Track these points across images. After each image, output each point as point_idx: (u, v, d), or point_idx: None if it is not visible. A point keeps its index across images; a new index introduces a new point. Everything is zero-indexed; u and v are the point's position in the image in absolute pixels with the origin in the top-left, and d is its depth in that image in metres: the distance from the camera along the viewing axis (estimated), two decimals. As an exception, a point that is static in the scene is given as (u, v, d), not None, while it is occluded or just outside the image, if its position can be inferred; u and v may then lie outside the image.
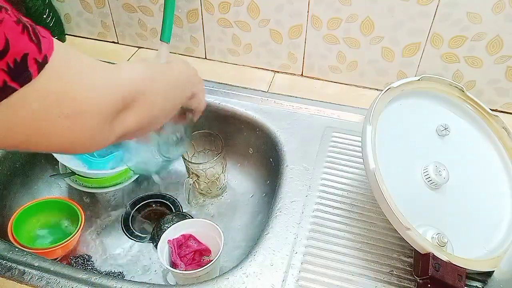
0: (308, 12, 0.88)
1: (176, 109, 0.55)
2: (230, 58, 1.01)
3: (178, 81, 0.56)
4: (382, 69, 0.92)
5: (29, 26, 0.32)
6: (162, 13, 0.86)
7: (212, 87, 0.94)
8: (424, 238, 0.59)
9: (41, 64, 0.33)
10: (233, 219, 0.89)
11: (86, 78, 0.37)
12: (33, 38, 0.32)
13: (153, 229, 0.87)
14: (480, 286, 0.62)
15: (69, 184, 0.88)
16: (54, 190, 0.91)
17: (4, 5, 0.31)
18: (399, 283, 0.62)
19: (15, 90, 0.32)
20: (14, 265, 0.63)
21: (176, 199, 0.93)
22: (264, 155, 0.90)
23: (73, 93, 0.35)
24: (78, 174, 0.83)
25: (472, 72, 0.86)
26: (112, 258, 0.83)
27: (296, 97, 0.92)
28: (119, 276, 0.80)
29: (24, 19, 0.33)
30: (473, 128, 0.74)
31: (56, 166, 0.88)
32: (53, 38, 0.34)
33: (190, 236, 0.77)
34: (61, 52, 0.35)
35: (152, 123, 0.49)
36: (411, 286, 0.62)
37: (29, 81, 0.32)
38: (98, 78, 0.38)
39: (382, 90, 0.68)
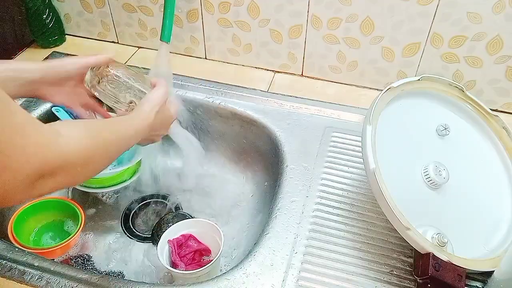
0: (308, 12, 0.88)
1: (110, 163, 0.54)
2: (230, 58, 1.01)
3: (126, 142, 0.55)
4: (382, 69, 0.92)
5: None
6: (162, 13, 0.86)
7: (212, 87, 0.94)
8: (424, 238, 0.59)
9: None
10: (233, 219, 0.89)
11: (20, 139, 0.37)
12: None
13: (153, 229, 0.87)
14: (480, 286, 0.62)
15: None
16: (54, 190, 0.91)
17: None
18: (399, 283, 0.62)
19: None
20: (14, 265, 0.63)
21: (176, 199, 0.93)
22: (264, 155, 0.90)
23: (6, 150, 0.36)
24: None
25: (472, 72, 0.86)
26: (112, 258, 0.83)
27: (296, 97, 0.92)
28: (119, 276, 0.80)
29: None
30: (473, 128, 0.74)
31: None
32: None
33: (190, 236, 0.77)
34: (7, 109, 0.35)
35: (75, 184, 0.49)
36: (411, 286, 0.62)
37: None
38: (32, 143, 0.38)
39: (382, 90, 0.68)
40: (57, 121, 0.51)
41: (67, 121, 0.49)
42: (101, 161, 0.50)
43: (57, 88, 0.63)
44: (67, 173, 0.43)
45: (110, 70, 0.65)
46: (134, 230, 0.88)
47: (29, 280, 0.62)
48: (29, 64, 0.61)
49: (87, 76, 0.65)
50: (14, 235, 0.75)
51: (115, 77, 0.65)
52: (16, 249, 0.66)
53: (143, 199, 0.93)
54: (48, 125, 0.42)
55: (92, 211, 0.90)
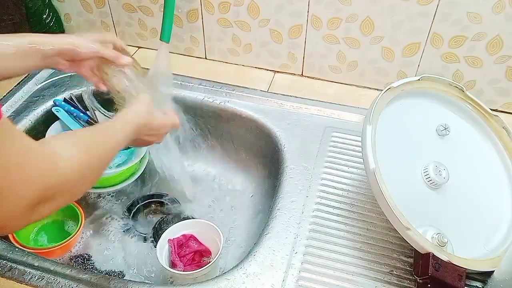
0: (308, 12, 0.88)
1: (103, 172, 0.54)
2: (230, 58, 1.01)
3: (117, 146, 0.55)
4: (382, 69, 0.92)
5: None
6: (162, 13, 0.86)
7: (212, 87, 0.94)
8: (424, 238, 0.59)
9: None
10: (233, 219, 0.89)
11: (25, 165, 0.37)
12: None
13: (153, 229, 0.87)
14: (480, 286, 0.62)
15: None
16: (54, 190, 0.91)
17: None
18: (399, 283, 0.62)
19: None
20: (14, 265, 0.63)
21: (176, 199, 0.93)
22: (264, 155, 0.90)
23: (9, 175, 0.35)
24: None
25: (472, 72, 0.86)
26: (112, 257, 0.83)
27: (296, 97, 0.92)
28: (119, 276, 0.80)
29: None
30: (473, 128, 0.74)
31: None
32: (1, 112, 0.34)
33: (191, 236, 0.77)
34: (8, 132, 0.35)
35: (73, 201, 0.50)
36: (411, 286, 0.62)
37: None
38: (33, 169, 0.38)
39: (382, 90, 0.68)
40: (50, 137, 0.50)
41: (59, 137, 0.49)
42: (97, 172, 0.50)
43: (72, 63, 0.65)
44: (66, 193, 0.43)
45: (122, 77, 0.68)
46: (135, 230, 0.88)
47: (29, 280, 0.62)
48: (47, 38, 0.62)
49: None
50: (14, 235, 0.75)
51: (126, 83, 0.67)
52: (16, 249, 0.66)
53: (143, 199, 0.92)
54: (45, 147, 0.42)
55: (92, 211, 0.90)
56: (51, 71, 0.99)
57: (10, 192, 0.36)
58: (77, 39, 0.64)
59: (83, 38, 0.64)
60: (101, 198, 0.92)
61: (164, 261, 0.72)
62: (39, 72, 0.97)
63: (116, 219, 0.89)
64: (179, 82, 0.94)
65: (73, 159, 0.44)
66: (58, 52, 0.62)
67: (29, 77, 0.96)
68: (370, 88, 0.95)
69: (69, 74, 0.98)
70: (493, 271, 0.62)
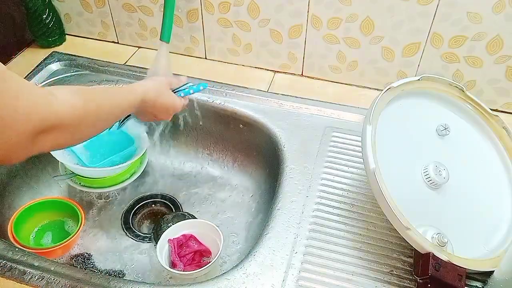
0: (308, 12, 0.88)
1: (106, 127, 0.59)
2: (230, 58, 1.01)
3: (118, 111, 0.60)
4: (382, 69, 0.92)
5: None
6: (162, 13, 0.86)
7: (212, 87, 0.94)
8: (424, 238, 0.59)
9: None
10: (233, 219, 0.89)
11: (19, 101, 0.41)
12: None
13: (153, 229, 0.87)
14: (480, 286, 0.62)
15: (69, 184, 0.88)
16: (54, 190, 0.91)
17: None
18: (399, 283, 0.62)
19: None
20: (14, 265, 0.64)
21: (176, 199, 0.93)
22: (264, 155, 0.90)
23: (4, 110, 0.40)
24: (79, 175, 0.83)
25: (472, 72, 0.86)
26: (112, 257, 0.83)
27: (296, 97, 0.92)
28: (119, 275, 0.80)
29: None
30: (473, 128, 0.74)
31: (56, 167, 0.88)
32: None
33: (191, 236, 0.77)
34: (3, 74, 0.39)
35: (75, 143, 0.53)
36: (411, 286, 0.62)
37: None
38: (27, 103, 0.42)
39: (382, 90, 0.68)
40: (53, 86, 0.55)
41: (62, 86, 0.53)
42: (93, 124, 0.54)
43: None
44: (62, 131, 0.47)
45: None
46: (134, 230, 0.88)
47: (29, 280, 0.62)
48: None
49: None
50: (14, 235, 0.75)
51: None
52: (16, 249, 0.66)
53: (143, 199, 0.93)
54: (42, 88, 0.47)
55: (92, 211, 0.90)
56: (50, 71, 0.99)
57: (8, 122, 0.40)
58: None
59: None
60: (101, 198, 0.92)
61: (164, 261, 0.72)
62: (39, 72, 0.97)
63: (116, 219, 0.89)
64: (179, 82, 0.94)
65: (68, 103, 0.48)
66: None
67: (28, 78, 0.96)
68: (370, 88, 0.95)
69: (68, 75, 0.98)
70: (493, 271, 0.62)
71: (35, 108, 0.43)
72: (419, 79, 0.71)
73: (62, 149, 0.55)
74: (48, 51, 1.04)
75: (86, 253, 0.83)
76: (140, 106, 0.65)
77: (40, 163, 0.90)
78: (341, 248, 0.66)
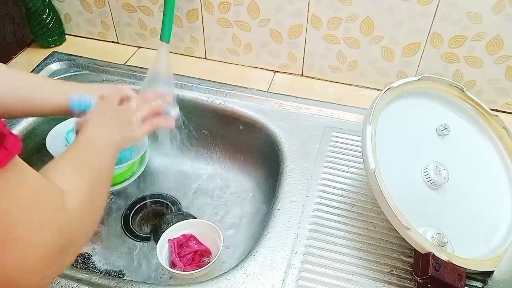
0: (308, 12, 0.88)
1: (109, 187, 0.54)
2: (230, 58, 1.01)
3: (109, 151, 0.55)
4: (382, 69, 0.92)
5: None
6: (162, 13, 0.86)
7: (212, 87, 0.94)
8: (424, 238, 0.59)
9: None
10: (233, 219, 0.89)
11: (32, 207, 0.34)
12: None
13: (153, 229, 0.87)
14: (480, 286, 0.62)
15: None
16: (54, 190, 0.91)
17: None
18: (399, 283, 0.62)
19: None
20: (14, 265, 0.63)
21: (176, 199, 0.93)
22: (264, 155, 0.90)
23: (14, 220, 0.32)
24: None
25: (472, 72, 0.86)
26: (112, 257, 0.83)
27: (296, 97, 0.92)
28: (119, 275, 0.80)
29: None
30: (473, 128, 0.74)
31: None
32: (13, 155, 0.31)
33: (191, 236, 0.77)
34: (15, 170, 0.32)
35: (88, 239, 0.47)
36: (411, 286, 0.62)
37: None
38: (42, 212, 0.35)
39: (382, 90, 0.68)
40: (50, 168, 0.46)
41: (59, 169, 0.46)
42: (102, 193, 0.48)
43: None
44: (79, 231, 0.40)
45: None
46: (134, 230, 0.88)
47: (29, 280, 0.62)
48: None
49: None
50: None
51: None
52: (16, 249, 0.66)
53: (143, 199, 0.93)
54: (51, 186, 0.39)
55: (92, 211, 0.90)
56: (50, 71, 0.99)
57: (22, 236, 0.32)
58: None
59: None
60: (101, 198, 0.92)
61: (164, 261, 0.72)
62: (39, 72, 0.97)
63: (116, 219, 0.89)
64: (179, 82, 0.94)
65: (77, 192, 0.41)
66: None
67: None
68: (370, 88, 0.95)
69: (68, 75, 0.98)
70: (493, 271, 0.62)
71: (52, 217, 0.36)
72: (419, 79, 0.71)
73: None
74: (48, 51, 1.04)
75: (86, 253, 0.83)
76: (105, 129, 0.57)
77: (40, 163, 0.90)
78: (341, 248, 0.66)
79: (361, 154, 0.64)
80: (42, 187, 0.36)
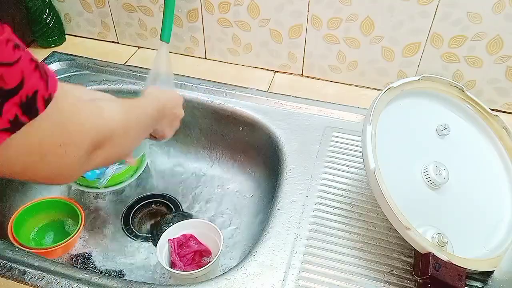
0: (308, 12, 0.88)
1: (140, 142, 0.62)
2: (230, 58, 1.01)
3: (149, 121, 0.61)
4: (382, 69, 0.92)
5: (39, 65, 0.35)
6: (162, 13, 0.86)
7: (212, 87, 0.94)
8: (424, 238, 0.59)
9: (47, 101, 0.36)
10: (233, 219, 0.89)
11: (78, 115, 0.41)
12: (43, 76, 0.35)
13: (153, 229, 0.87)
14: (480, 286, 0.62)
15: (69, 184, 0.88)
16: (54, 190, 0.91)
17: (20, 43, 0.33)
18: (399, 283, 0.62)
19: (24, 124, 0.34)
20: (14, 265, 0.63)
21: (176, 199, 0.93)
22: (264, 155, 0.90)
23: (68, 127, 0.40)
24: (78, 174, 0.83)
25: (472, 72, 0.86)
26: (112, 257, 0.83)
27: (296, 97, 0.92)
28: (119, 275, 0.80)
29: (35, 57, 0.35)
30: (473, 128, 0.74)
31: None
32: (56, 78, 0.38)
33: (191, 236, 0.77)
34: (61, 91, 0.38)
35: (118, 158, 0.54)
36: (411, 286, 0.62)
37: (36, 116, 0.35)
38: (87, 117, 0.43)
39: (382, 90, 0.68)
40: (98, 96, 0.56)
41: (102, 97, 0.55)
42: (134, 134, 0.55)
43: None
44: (112, 144, 0.47)
45: None
46: (134, 230, 0.88)
47: (29, 280, 0.62)
48: None
49: None
50: (14, 235, 0.75)
51: None
52: (16, 249, 0.66)
53: (143, 199, 0.93)
54: (91, 101, 0.47)
55: (92, 211, 0.90)
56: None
57: (70, 141, 0.40)
58: None
59: None
60: (101, 198, 0.92)
61: (164, 261, 0.72)
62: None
63: (116, 219, 0.89)
64: (179, 82, 0.94)
65: (115, 114, 0.49)
66: None
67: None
68: (370, 88, 0.95)
69: (68, 75, 0.98)
70: (493, 271, 0.62)
71: (93, 122, 0.43)
72: (419, 79, 0.71)
73: (108, 165, 0.55)
74: (48, 51, 1.04)
75: (86, 253, 0.83)
76: (159, 108, 0.64)
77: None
78: (341, 248, 0.66)
79: (361, 154, 0.64)
80: (81, 100, 0.44)
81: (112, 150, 0.48)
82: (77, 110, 0.41)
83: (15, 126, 0.34)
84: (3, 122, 0.33)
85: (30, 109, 0.34)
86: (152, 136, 0.68)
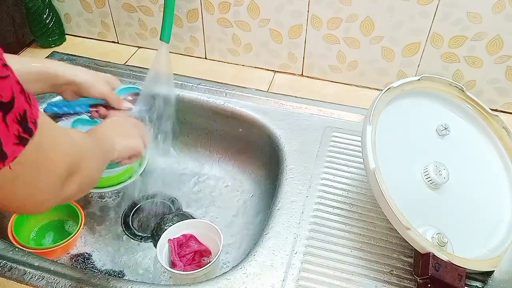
0: (308, 11, 0.88)
1: (106, 165, 0.60)
2: (230, 58, 1.01)
3: (105, 148, 0.61)
4: (382, 69, 0.92)
5: (24, 89, 0.35)
6: (162, 13, 0.86)
7: (212, 87, 0.94)
8: (424, 238, 0.59)
9: (35, 124, 0.37)
10: (233, 219, 0.89)
11: (54, 142, 0.42)
12: (28, 101, 0.36)
13: (153, 229, 0.87)
14: (480, 286, 0.62)
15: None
16: (54, 190, 0.91)
17: (7, 63, 0.34)
18: (399, 283, 0.62)
19: (28, 140, 0.35)
20: (14, 265, 0.64)
21: (176, 199, 0.93)
22: (264, 155, 0.90)
23: (47, 153, 0.40)
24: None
25: (472, 72, 0.86)
26: (112, 257, 0.83)
27: (296, 97, 0.92)
28: (119, 275, 0.80)
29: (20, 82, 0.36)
30: (473, 128, 0.74)
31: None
32: (38, 104, 0.39)
33: (191, 236, 0.77)
34: (41, 118, 0.39)
35: (91, 184, 0.54)
36: (411, 286, 0.62)
37: (32, 135, 0.36)
38: (62, 143, 0.44)
39: (382, 90, 0.68)
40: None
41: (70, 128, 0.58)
42: (99, 156, 0.55)
43: (77, 95, 0.71)
44: (84, 167, 0.48)
45: None
46: (134, 230, 0.88)
47: (29, 280, 0.62)
48: (61, 67, 0.68)
49: None
50: (14, 235, 0.75)
51: None
52: (16, 249, 0.66)
53: (143, 199, 0.93)
54: (62, 128, 0.48)
55: (92, 211, 0.90)
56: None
57: (47, 167, 0.41)
58: (91, 78, 0.70)
59: (97, 78, 0.71)
60: (101, 198, 0.92)
61: (164, 261, 0.72)
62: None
63: (116, 219, 0.89)
64: (179, 82, 0.94)
65: (80, 136, 0.51)
66: (69, 83, 0.68)
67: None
68: (370, 88, 0.95)
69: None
70: (493, 271, 0.62)
71: (65, 150, 0.44)
72: (419, 79, 0.71)
73: (82, 195, 0.56)
74: (48, 51, 1.04)
75: (86, 253, 0.83)
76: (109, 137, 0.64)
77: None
78: (341, 248, 0.66)
79: (361, 154, 0.64)
80: (58, 130, 0.45)
81: (85, 174, 0.48)
82: (55, 138, 0.42)
83: (21, 140, 0.35)
84: (11, 135, 0.34)
85: (26, 128, 0.35)
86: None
